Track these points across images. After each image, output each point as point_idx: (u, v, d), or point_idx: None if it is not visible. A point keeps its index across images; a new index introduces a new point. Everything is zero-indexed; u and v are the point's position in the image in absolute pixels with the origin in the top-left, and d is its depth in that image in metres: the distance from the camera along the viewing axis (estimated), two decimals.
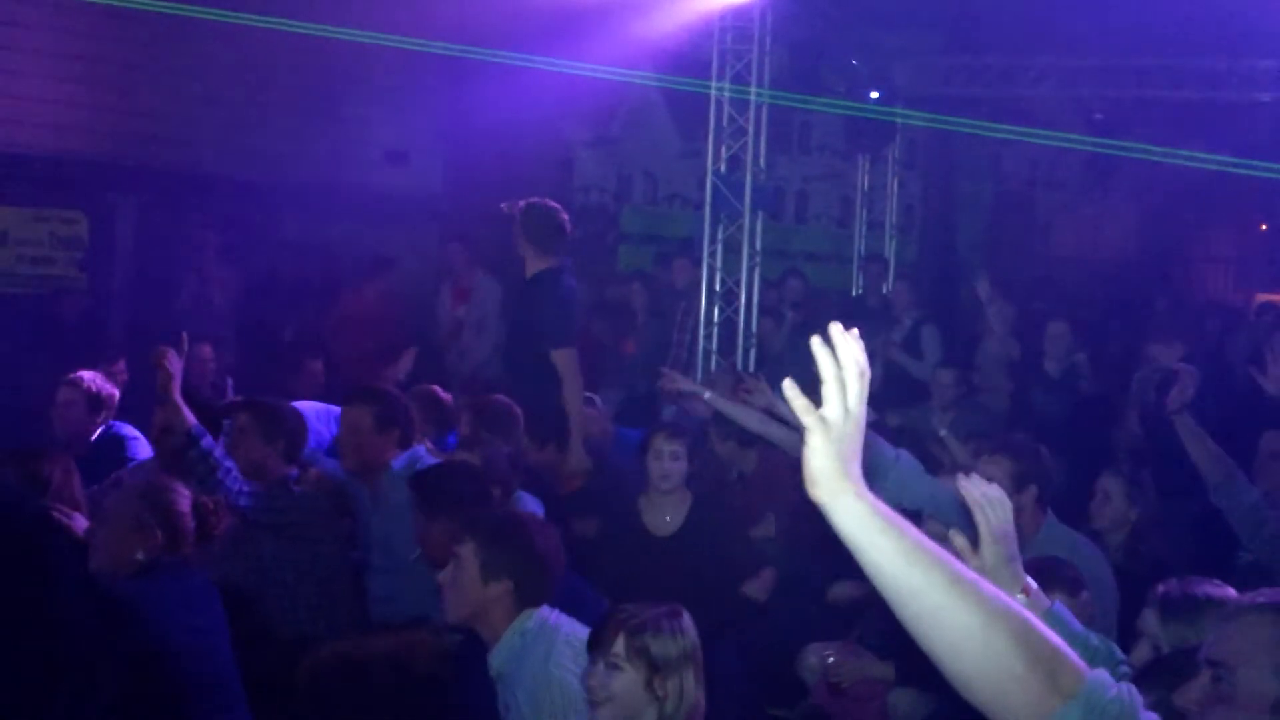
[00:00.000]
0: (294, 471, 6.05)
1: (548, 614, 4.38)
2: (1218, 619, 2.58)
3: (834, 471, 2.13)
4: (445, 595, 4.45)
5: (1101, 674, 2.15)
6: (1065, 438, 8.26)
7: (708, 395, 7.04)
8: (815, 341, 2.17)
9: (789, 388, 2.18)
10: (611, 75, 11.16)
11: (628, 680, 3.77)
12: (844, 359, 2.16)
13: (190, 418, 5.65)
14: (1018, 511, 5.41)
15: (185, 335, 6.09)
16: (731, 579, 6.42)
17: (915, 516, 5.83)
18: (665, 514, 6.43)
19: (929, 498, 5.87)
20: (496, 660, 4.35)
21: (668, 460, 6.38)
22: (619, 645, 3.79)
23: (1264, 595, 2.51)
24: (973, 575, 2.12)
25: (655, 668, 3.76)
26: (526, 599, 4.36)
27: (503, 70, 10.39)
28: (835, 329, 2.19)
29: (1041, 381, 9.58)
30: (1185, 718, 2.57)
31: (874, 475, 5.85)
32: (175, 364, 5.74)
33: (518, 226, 7.57)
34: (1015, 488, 5.43)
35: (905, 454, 5.99)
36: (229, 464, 5.65)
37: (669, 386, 7.63)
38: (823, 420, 2.14)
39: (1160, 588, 4.23)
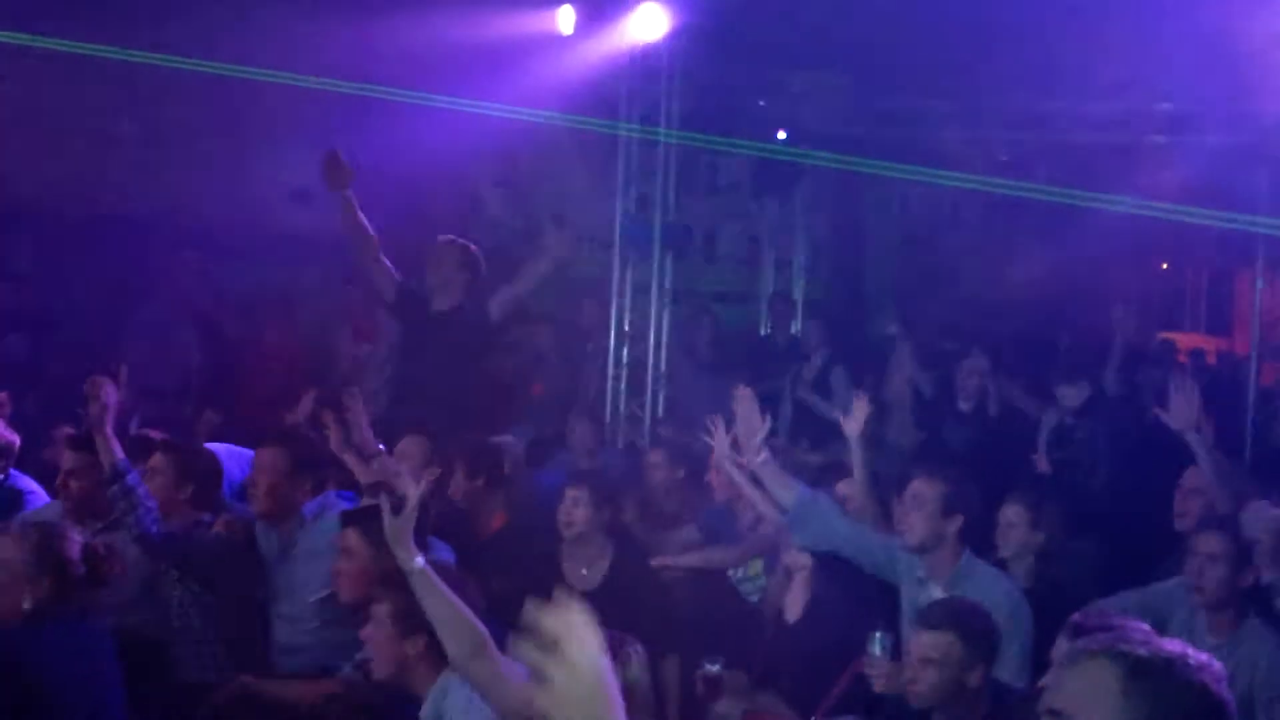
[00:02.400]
0: (207, 516, 5.92)
1: None
2: (1056, 666, 2.56)
3: None
4: (370, 653, 4.48)
5: None
6: (976, 473, 8.28)
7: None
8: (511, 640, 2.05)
9: (515, 647, 2.06)
10: (519, 115, 11.11)
11: None
12: (555, 629, 2.07)
13: (119, 452, 5.54)
14: (940, 541, 5.45)
15: (124, 368, 5.98)
16: (652, 636, 6.22)
17: (836, 558, 5.86)
18: (581, 566, 6.28)
19: (848, 537, 5.86)
20: (426, 715, 4.32)
21: (569, 506, 6.26)
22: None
23: (1099, 641, 2.50)
24: None
25: None
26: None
27: (409, 109, 10.29)
28: (529, 610, 2.06)
29: (954, 416, 9.62)
30: None
31: (797, 525, 5.85)
32: (111, 396, 5.61)
33: (478, 264, 7.88)
34: (942, 512, 5.42)
35: (824, 495, 5.96)
36: (150, 503, 5.54)
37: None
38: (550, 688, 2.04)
39: (1075, 616, 4.24)
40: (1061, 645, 4.25)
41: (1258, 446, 10.92)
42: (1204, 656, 2.42)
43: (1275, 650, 5.12)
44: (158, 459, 5.89)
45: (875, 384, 10.96)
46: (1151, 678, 2.36)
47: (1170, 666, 2.37)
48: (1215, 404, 11.69)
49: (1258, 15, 9.07)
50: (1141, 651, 2.39)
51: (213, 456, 6.12)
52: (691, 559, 6.95)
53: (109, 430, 5.55)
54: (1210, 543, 5.31)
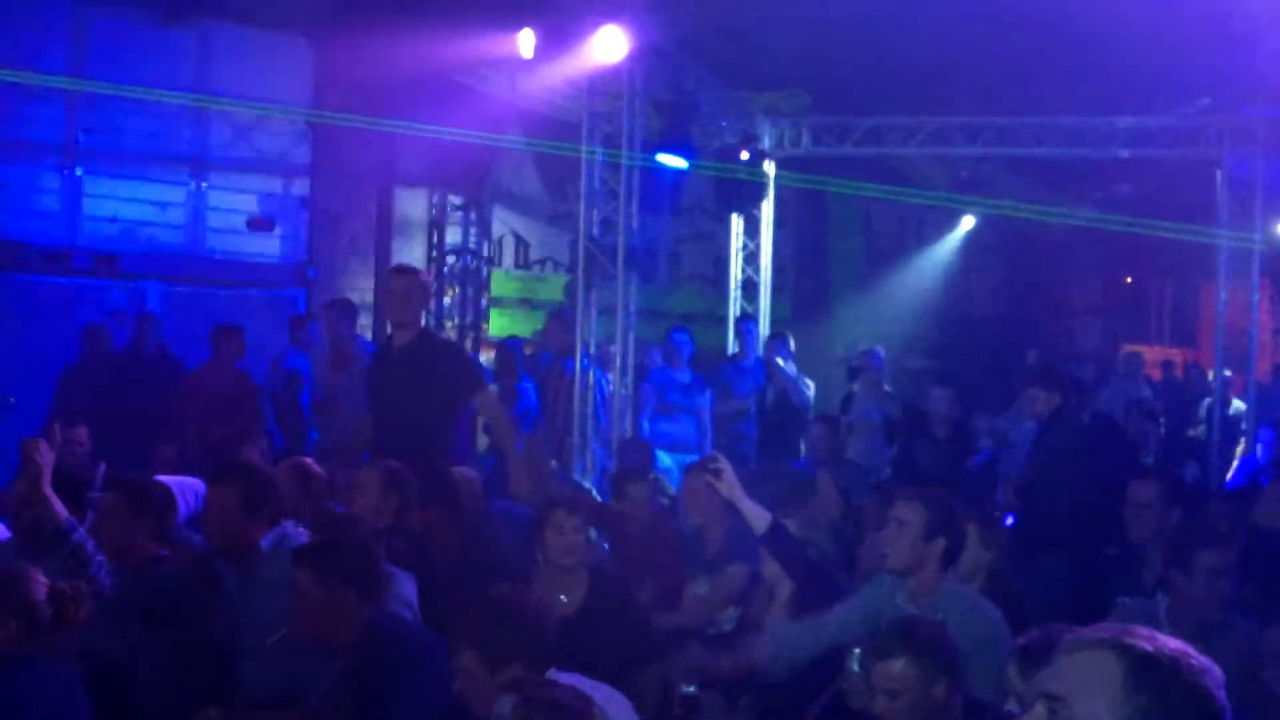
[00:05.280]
0: (164, 551, 5.84)
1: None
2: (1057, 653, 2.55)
3: None
4: (472, 705, 4.31)
5: None
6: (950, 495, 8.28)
7: None
8: None
9: None
10: (482, 139, 11.09)
11: None
12: None
13: (62, 511, 5.45)
14: (922, 564, 5.42)
15: (57, 426, 5.89)
16: (632, 663, 6.14)
17: (817, 577, 5.83)
18: (560, 593, 6.19)
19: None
20: None
21: (570, 534, 6.18)
22: (506, 706, 3.64)
23: (1103, 631, 2.48)
24: None
25: None
26: (538, 668, 4.29)
27: (370, 134, 10.27)
28: None
29: (927, 439, 9.59)
30: None
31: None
32: (46, 456, 5.51)
33: (429, 292, 7.62)
34: (925, 537, 5.38)
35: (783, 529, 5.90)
36: (100, 558, 5.46)
37: None
38: None
39: (1020, 640, 4.19)
40: (1011, 671, 4.18)
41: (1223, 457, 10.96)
42: (1207, 660, 2.39)
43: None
44: (110, 498, 5.80)
45: (842, 405, 10.99)
46: (1156, 674, 2.34)
47: (1176, 666, 2.35)
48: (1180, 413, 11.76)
49: None
50: (1147, 647, 2.37)
51: (165, 489, 6.04)
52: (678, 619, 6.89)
53: (48, 491, 5.47)
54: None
